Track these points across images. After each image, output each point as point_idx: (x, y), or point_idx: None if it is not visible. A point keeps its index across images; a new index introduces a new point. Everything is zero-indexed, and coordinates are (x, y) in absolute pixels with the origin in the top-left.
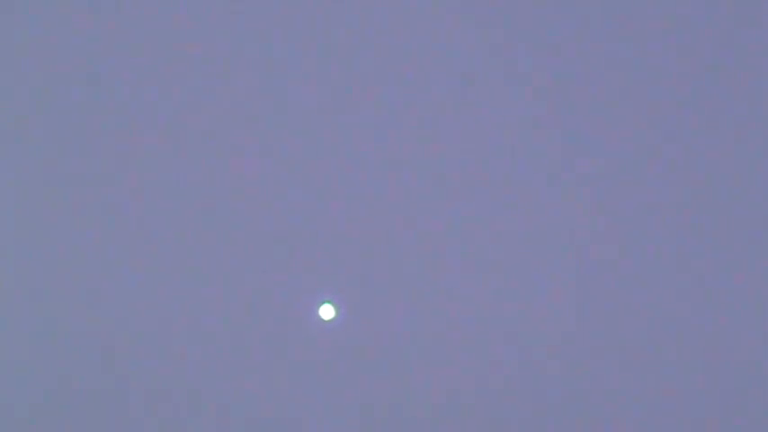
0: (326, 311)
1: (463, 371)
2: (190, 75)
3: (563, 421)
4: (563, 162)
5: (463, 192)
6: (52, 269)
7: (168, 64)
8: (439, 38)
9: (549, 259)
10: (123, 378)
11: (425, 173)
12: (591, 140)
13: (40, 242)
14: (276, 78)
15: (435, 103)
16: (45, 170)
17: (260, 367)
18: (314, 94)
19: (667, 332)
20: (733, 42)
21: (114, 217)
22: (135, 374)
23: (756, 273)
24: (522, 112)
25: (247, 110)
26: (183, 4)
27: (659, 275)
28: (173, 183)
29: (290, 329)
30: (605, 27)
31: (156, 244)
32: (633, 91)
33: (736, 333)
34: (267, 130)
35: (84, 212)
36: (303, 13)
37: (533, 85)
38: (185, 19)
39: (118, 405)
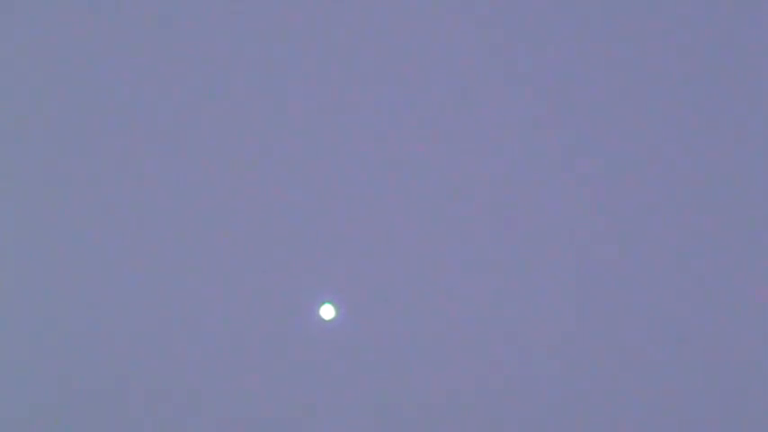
0: (327, 311)
1: (463, 371)
2: (190, 75)
3: (563, 421)
4: (563, 162)
5: (463, 192)
6: (52, 269)
7: (168, 64)
8: (439, 38)
9: (549, 259)
10: (123, 378)
11: (425, 173)
12: (591, 140)
13: (40, 242)
14: (276, 78)
15: (435, 103)
16: (45, 170)
17: (260, 367)
18: (314, 94)
19: (667, 332)
20: (733, 42)
21: (114, 217)
22: (135, 374)
23: (756, 273)
24: (522, 112)
25: (247, 110)
26: (183, 4)
27: (659, 275)
28: (173, 183)
29: (291, 329)
30: (605, 27)
31: (157, 244)
32: (633, 91)
33: (736, 333)
34: (267, 130)
35: (85, 212)
36: (303, 13)
37: (533, 85)
38: (185, 19)
39: (118, 405)
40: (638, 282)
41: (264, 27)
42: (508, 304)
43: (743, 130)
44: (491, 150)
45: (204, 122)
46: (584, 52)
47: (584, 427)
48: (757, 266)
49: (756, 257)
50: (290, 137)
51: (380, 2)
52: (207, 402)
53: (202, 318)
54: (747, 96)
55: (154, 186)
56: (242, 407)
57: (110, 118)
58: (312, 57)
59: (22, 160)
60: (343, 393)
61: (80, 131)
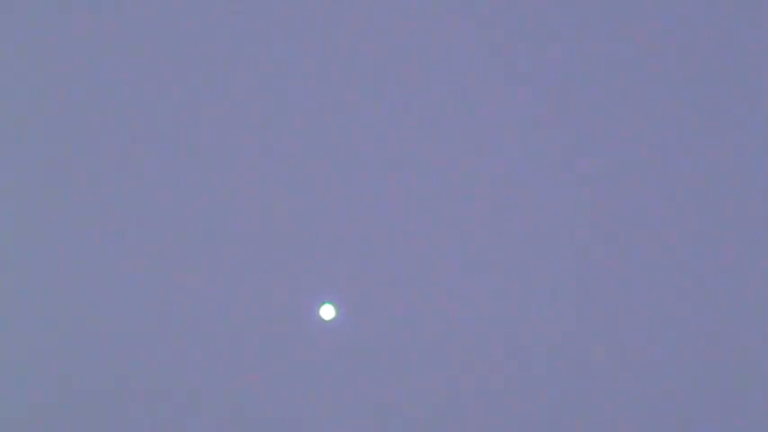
0: (327, 312)
1: (463, 371)
2: (190, 75)
3: (563, 421)
4: (563, 162)
5: (463, 192)
6: (52, 269)
7: (168, 64)
8: (439, 38)
9: (549, 259)
10: (123, 378)
11: (425, 173)
12: (591, 140)
13: (40, 242)
14: (276, 78)
15: (435, 103)
16: (45, 170)
17: (260, 367)
18: (314, 94)
19: (667, 332)
20: (733, 42)
21: (114, 217)
22: (135, 374)
23: (756, 273)
24: (522, 112)
25: (247, 110)
26: (183, 4)
27: (659, 275)
28: (173, 183)
29: (291, 330)
30: (605, 27)
31: (157, 244)
32: (633, 91)
33: (736, 333)
34: (267, 130)
35: (85, 212)
36: (303, 14)
37: (533, 85)
38: (185, 19)
39: (118, 405)
40: (638, 282)
41: (264, 27)
42: (508, 304)
43: (743, 130)
44: (491, 150)
45: (204, 122)
46: (584, 52)
47: (584, 427)
48: (757, 266)
49: (756, 257)
50: (290, 137)
51: (380, 2)
52: (207, 402)
53: (202, 318)
54: (747, 96)
55: (154, 186)
56: (242, 407)
57: (110, 118)
58: (312, 57)
59: (22, 160)
60: (343, 393)
61: (80, 131)
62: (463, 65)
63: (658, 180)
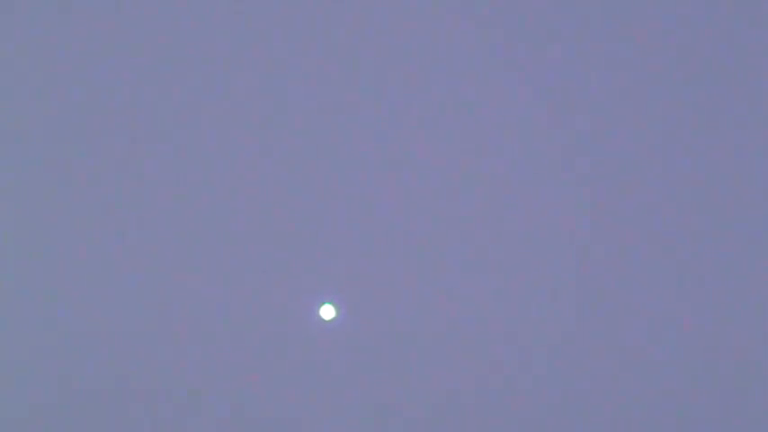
0: (327, 312)
1: (463, 371)
2: (190, 75)
3: (563, 421)
4: (563, 162)
5: (463, 192)
6: (52, 269)
7: (168, 64)
8: (439, 38)
9: (549, 259)
10: (123, 378)
11: (425, 173)
12: (591, 140)
13: (41, 242)
14: (276, 78)
15: (435, 103)
16: (45, 170)
17: (260, 367)
18: (314, 94)
19: (667, 332)
20: (733, 42)
21: (114, 217)
22: (135, 374)
23: (756, 273)
24: (522, 112)
25: (247, 110)
26: (184, 4)
27: (659, 275)
28: (173, 183)
29: (291, 330)
30: (605, 27)
31: (157, 244)
32: (633, 91)
33: (736, 333)
34: (267, 130)
35: (85, 212)
36: (303, 13)
37: (533, 85)
38: (185, 19)
39: (118, 405)
40: (638, 282)
41: (264, 27)
42: (508, 304)
43: (743, 130)
44: (491, 150)
45: (204, 122)
46: (584, 52)
47: (584, 427)
48: (757, 266)
49: (756, 257)
50: (290, 137)
51: (380, 2)
52: (207, 402)
53: (202, 318)
54: (747, 96)
55: (154, 186)
56: (242, 407)
57: (110, 118)
58: (312, 57)
59: (23, 160)
60: (343, 393)
61: (80, 131)
62: (463, 65)
63: (658, 180)
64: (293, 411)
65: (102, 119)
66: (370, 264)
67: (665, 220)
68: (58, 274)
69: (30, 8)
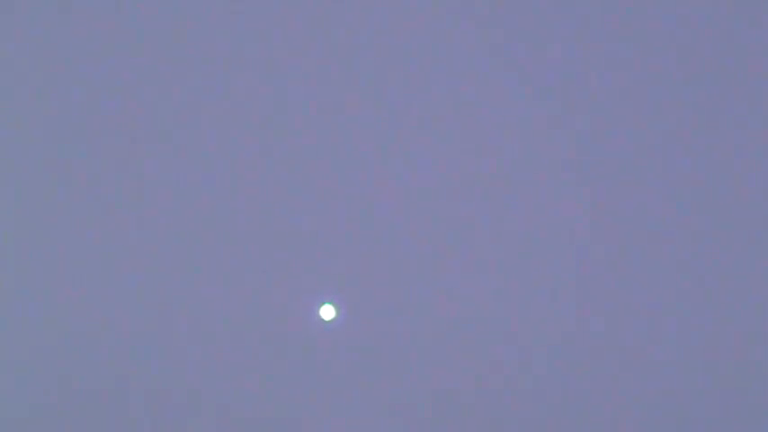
0: (327, 312)
1: (463, 371)
2: (190, 75)
3: (563, 421)
4: (563, 162)
5: (463, 192)
6: (52, 269)
7: (168, 64)
8: (439, 38)
9: (549, 259)
10: (123, 378)
11: (425, 173)
12: (591, 140)
13: (41, 242)
14: (276, 78)
15: (435, 103)
16: (45, 170)
17: (260, 367)
18: (314, 94)
19: (667, 332)
20: (733, 42)
21: (114, 217)
22: (135, 374)
23: (756, 273)
24: (522, 112)
25: (247, 110)
26: (184, 4)
27: (659, 275)
28: (173, 183)
29: (291, 330)
30: (605, 27)
31: (157, 244)
32: (634, 91)
33: (736, 333)
34: (267, 130)
35: (85, 212)
36: (303, 13)
37: (533, 85)
38: (185, 19)
39: (118, 405)
40: (638, 282)
41: (264, 27)
42: (508, 304)
43: (743, 130)
44: (491, 150)
45: (204, 122)
46: (584, 52)
47: (584, 427)
48: (757, 266)
49: (756, 257)
50: (290, 137)
51: (380, 2)
52: (207, 402)
53: (202, 318)
54: (747, 96)
55: (154, 186)
56: (242, 407)
57: (110, 118)
58: (312, 57)
59: (23, 160)
60: (343, 393)
61: (80, 131)
62: (463, 65)
63: (658, 180)
64: (293, 411)
65: (103, 119)
66: (370, 264)
67: (665, 220)
68: (58, 274)
69: (30, 8)
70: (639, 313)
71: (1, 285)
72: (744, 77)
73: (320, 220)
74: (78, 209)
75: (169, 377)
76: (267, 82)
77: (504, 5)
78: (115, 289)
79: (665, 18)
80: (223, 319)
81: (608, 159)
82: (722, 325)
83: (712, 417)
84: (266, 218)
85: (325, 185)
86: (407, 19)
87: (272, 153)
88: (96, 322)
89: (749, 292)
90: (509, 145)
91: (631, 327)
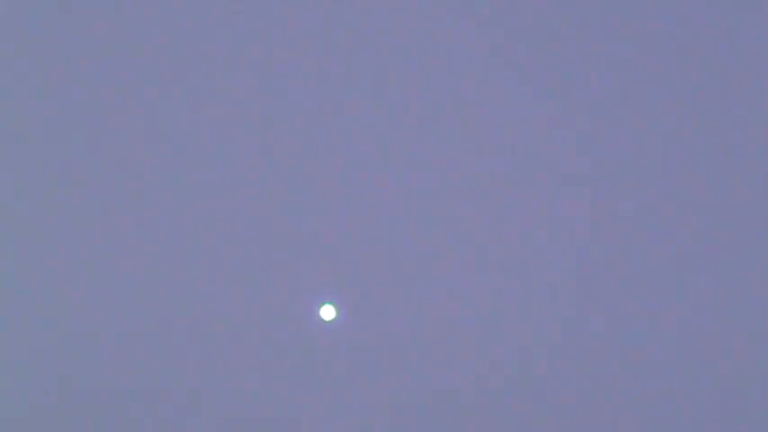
0: (327, 312)
1: (463, 370)
2: (190, 75)
3: (563, 421)
4: (563, 162)
5: (463, 192)
6: (52, 269)
7: (168, 64)
8: (439, 38)
9: (549, 259)
10: (123, 378)
11: (425, 173)
12: (591, 140)
13: (41, 242)
14: (276, 78)
15: (435, 103)
16: (45, 170)
17: (260, 367)
18: (314, 94)
19: (667, 332)
20: (733, 42)
21: (114, 217)
22: (135, 374)
23: (756, 273)
24: (522, 112)
25: (247, 110)
26: (184, 4)
27: (659, 275)
28: (173, 184)
29: (291, 330)
30: (605, 27)
31: (157, 245)
32: (634, 91)
33: (736, 333)
34: (267, 130)
35: (85, 213)
36: (303, 13)
37: (533, 85)
38: (185, 19)
39: (118, 405)
40: (638, 282)
41: (264, 27)
42: (508, 304)
43: (743, 130)
44: (491, 150)
45: (204, 122)
46: (584, 52)
47: (584, 427)
48: (757, 266)
49: (756, 257)
50: (290, 137)
51: (380, 2)
52: (207, 402)
53: (202, 318)
54: (747, 96)
55: (154, 187)
56: (242, 407)
57: (110, 118)
58: (312, 57)
59: (23, 160)
60: (343, 394)
61: (80, 131)
62: (463, 65)
63: (658, 180)
64: (293, 411)
65: (103, 119)
66: (370, 264)
67: (665, 220)
68: (58, 274)
69: (30, 8)
70: (639, 313)
71: (1, 285)
72: (744, 77)
73: (320, 220)
74: (78, 209)
75: (169, 377)
76: (267, 82)
77: (504, 5)
78: (115, 289)
79: (665, 18)
80: (223, 320)
81: (608, 159)
82: (722, 325)
83: (712, 417)
84: (266, 218)
85: (326, 186)
86: (407, 19)
87: (272, 153)
88: (96, 322)
89: (749, 292)
90: (509, 145)
91: (631, 327)
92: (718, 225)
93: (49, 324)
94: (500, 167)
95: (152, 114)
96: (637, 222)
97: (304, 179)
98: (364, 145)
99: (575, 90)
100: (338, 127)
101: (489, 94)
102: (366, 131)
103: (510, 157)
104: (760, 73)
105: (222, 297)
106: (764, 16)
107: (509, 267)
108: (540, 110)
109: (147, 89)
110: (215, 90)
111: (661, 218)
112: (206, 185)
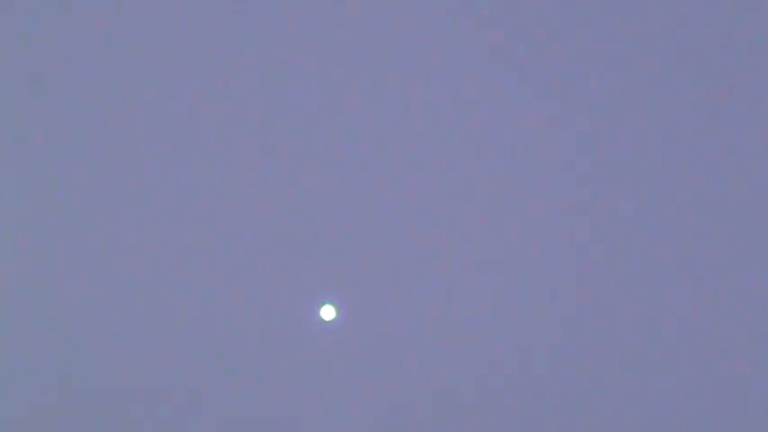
0: (327, 312)
1: (463, 370)
2: (190, 75)
3: (563, 421)
4: (563, 162)
5: (463, 192)
6: (52, 269)
7: (168, 64)
8: (439, 38)
9: (549, 259)
10: (123, 378)
11: (425, 173)
12: (591, 140)
13: (41, 242)
14: (276, 78)
15: (435, 103)
16: (45, 170)
17: (260, 368)
18: (314, 94)
19: (667, 332)
20: (733, 42)
21: (114, 217)
22: (135, 374)
23: (756, 273)
24: (522, 112)
25: (247, 110)
26: (184, 4)
27: (659, 275)
28: (173, 184)
29: (291, 330)
30: (605, 27)
31: (157, 245)
32: (634, 91)
33: (736, 333)
34: (267, 130)
35: (85, 213)
36: (303, 14)
37: (533, 85)
38: (185, 19)
39: (118, 405)
40: (638, 282)
41: (264, 27)
42: (508, 304)
43: (743, 130)
44: (491, 150)
45: (204, 122)
46: (584, 52)
47: (584, 427)
48: (757, 266)
49: (756, 257)
50: (290, 137)
51: (380, 2)
52: (207, 402)
53: (202, 318)
54: (747, 96)
55: (154, 187)
56: (242, 407)
57: (110, 118)
58: (312, 57)
59: (23, 160)
60: (343, 394)
61: (80, 131)
62: (463, 65)
63: (658, 180)
64: (293, 411)
65: (103, 119)
66: (370, 264)
67: (665, 220)
68: (58, 274)
69: (30, 8)
70: (639, 313)
71: (1, 285)
72: (744, 77)
73: (320, 220)
74: (78, 209)
75: (169, 377)
76: (267, 82)
77: (504, 5)
78: (115, 289)
79: (665, 18)
80: (223, 320)
81: (608, 159)
82: (722, 325)
83: (712, 417)
84: (266, 218)
85: (326, 186)
86: (407, 19)
87: (272, 153)
88: (96, 322)
89: (749, 292)
90: (509, 145)
91: (631, 327)
92: (718, 225)
93: (49, 324)
94: (500, 167)
95: (152, 114)
96: (637, 222)
97: (304, 179)
98: (364, 145)
99: (575, 90)
100: (338, 127)
101: (489, 94)
102: (366, 131)
103: (510, 157)
104: (760, 73)
105: (222, 297)
106: (764, 16)
107: (509, 267)
108: (540, 110)
109: (147, 89)
110: (215, 90)
111: (661, 218)
112: (206, 186)
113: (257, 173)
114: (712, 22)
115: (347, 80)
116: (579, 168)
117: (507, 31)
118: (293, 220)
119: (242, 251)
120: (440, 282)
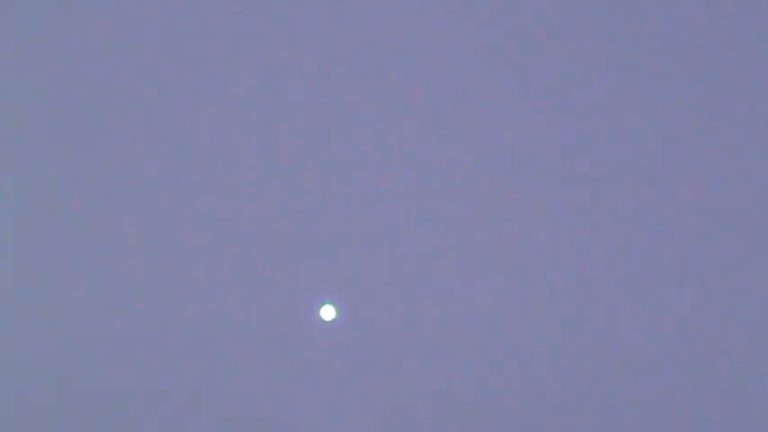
0: (327, 312)
1: (463, 370)
2: (190, 75)
3: (563, 421)
4: (563, 162)
5: (463, 192)
6: (52, 269)
7: (168, 64)
8: (439, 38)
9: (549, 259)
10: (123, 378)
11: (425, 173)
12: (591, 140)
13: (41, 242)
14: (276, 78)
15: (435, 103)
16: (45, 170)
17: (260, 368)
18: (314, 94)
19: (667, 332)
20: (733, 42)
21: (114, 217)
22: (135, 374)
23: (756, 273)
24: (522, 112)
25: (247, 110)
26: (184, 4)
27: (659, 275)
28: (173, 184)
29: (291, 330)
30: (605, 27)
31: (157, 245)
32: (633, 91)
33: (736, 333)
34: (267, 130)
35: (85, 213)
36: (303, 14)
37: (533, 85)
38: (185, 19)
39: (118, 405)
40: (638, 282)
41: (264, 27)
42: (508, 304)
43: (743, 130)
44: (491, 150)
45: (204, 122)
46: (583, 53)
47: (584, 427)
48: (757, 266)
49: (756, 257)
50: (290, 137)
51: (380, 2)
52: (207, 402)
53: (202, 318)
54: (747, 96)
55: (154, 187)
56: (242, 407)
57: (110, 118)
58: (312, 57)
59: (23, 160)
60: (343, 394)
61: (80, 131)
62: (463, 65)
63: (658, 180)
64: (293, 411)
65: (102, 119)
66: (370, 264)
67: (665, 220)
68: (58, 274)
69: (30, 8)
70: (639, 313)
71: (1, 285)
72: (744, 77)
73: (320, 220)
74: (78, 209)
75: (169, 377)
76: (267, 82)
77: (504, 5)
78: (115, 289)
79: (665, 18)
80: (223, 320)
81: (608, 159)
82: (722, 325)
83: (712, 417)
84: (266, 218)
85: (326, 186)
86: (407, 19)
87: (272, 153)
88: (96, 322)
89: (749, 292)
90: (509, 145)
91: (631, 327)
92: (718, 225)
93: (49, 324)
94: (500, 167)
95: (152, 114)
96: (637, 222)
97: (304, 179)
98: (364, 145)
99: (574, 90)
100: (338, 127)
101: (489, 95)
102: (366, 131)
103: (510, 157)
104: (760, 73)
105: (222, 297)
106: (764, 16)
107: (509, 267)
108: (540, 110)
109: (147, 89)
110: (215, 90)
111: (661, 218)
112: (206, 186)
113: (257, 173)
114: (712, 22)
115: (347, 80)
116: (579, 168)
117: (507, 31)
118: (293, 221)
119: (242, 251)
120: (440, 282)
